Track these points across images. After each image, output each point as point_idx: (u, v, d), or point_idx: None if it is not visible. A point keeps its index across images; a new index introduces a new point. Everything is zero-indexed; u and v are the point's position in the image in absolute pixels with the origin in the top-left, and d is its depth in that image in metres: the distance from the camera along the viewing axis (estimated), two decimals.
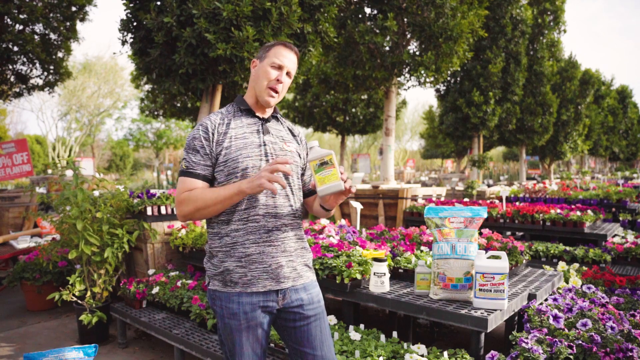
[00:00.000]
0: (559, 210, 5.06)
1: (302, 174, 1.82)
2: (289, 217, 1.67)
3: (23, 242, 5.45)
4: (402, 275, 2.89)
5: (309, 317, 1.67)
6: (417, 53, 8.04)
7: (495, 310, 2.21)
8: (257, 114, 1.72)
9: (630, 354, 1.84)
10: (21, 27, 7.09)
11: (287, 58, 1.68)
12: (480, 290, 2.24)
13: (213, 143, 1.62)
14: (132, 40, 5.00)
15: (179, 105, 11.37)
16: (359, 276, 2.60)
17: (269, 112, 1.75)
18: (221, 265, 1.63)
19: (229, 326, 1.62)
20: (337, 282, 2.62)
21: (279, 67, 1.66)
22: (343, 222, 4.10)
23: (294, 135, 1.82)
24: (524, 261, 3.26)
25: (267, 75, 1.65)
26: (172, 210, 4.02)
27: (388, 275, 2.61)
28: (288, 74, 1.70)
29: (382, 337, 2.44)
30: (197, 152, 1.62)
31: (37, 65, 7.68)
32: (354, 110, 17.08)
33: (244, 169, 1.60)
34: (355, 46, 7.78)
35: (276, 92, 1.67)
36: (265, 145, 1.66)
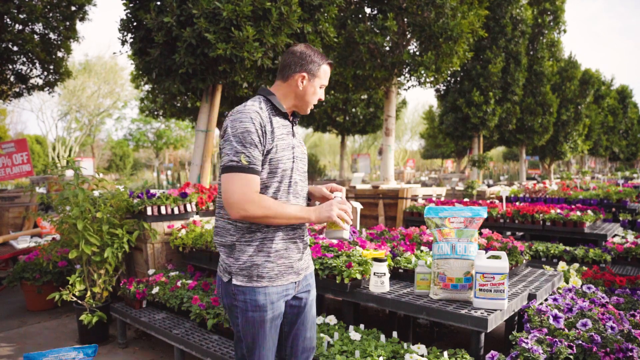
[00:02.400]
0: (559, 210, 5.06)
1: None
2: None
3: (23, 242, 5.45)
4: (402, 275, 2.89)
5: (312, 301, 1.86)
6: (417, 53, 8.04)
7: (495, 310, 2.21)
8: (289, 117, 1.77)
9: (630, 354, 1.84)
10: (21, 27, 7.09)
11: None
12: (480, 290, 2.24)
13: (264, 139, 1.62)
14: (132, 40, 5.00)
15: (179, 105, 11.37)
16: (359, 276, 2.60)
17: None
18: (248, 260, 1.64)
19: (252, 319, 1.64)
20: (337, 282, 2.62)
21: (323, 87, 1.79)
22: None
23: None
24: (524, 261, 3.26)
25: (317, 96, 1.77)
26: (172, 210, 4.02)
27: (388, 275, 2.61)
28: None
29: (382, 337, 2.44)
30: (255, 147, 1.58)
31: (37, 65, 7.68)
32: (354, 110, 17.10)
33: (284, 169, 1.66)
34: (355, 46, 7.78)
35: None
36: (294, 148, 1.72)
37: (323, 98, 1.81)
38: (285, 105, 1.74)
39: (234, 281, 1.65)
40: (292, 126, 1.76)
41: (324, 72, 1.75)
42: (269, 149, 1.62)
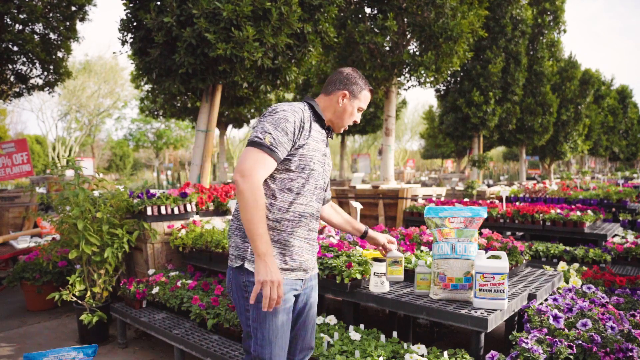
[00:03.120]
0: (559, 210, 5.06)
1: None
2: (318, 221, 1.88)
3: (23, 242, 5.45)
4: None
5: (313, 303, 1.87)
6: (417, 53, 8.04)
7: (495, 310, 2.21)
8: (325, 127, 1.85)
9: (630, 354, 1.84)
10: (21, 27, 7.09)
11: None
12: (480, 290, 2.24)
13: (300, 134, 1.67)
14: (132, 40, 5.00)
15: (179, 105, 11.38)
16: (359, 276, 2.60)
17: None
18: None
19: (264, 311, 1.60)
20: (337, 282, 2.62)
21: (360, 110, 1.89)
22: None
23: None
24: (524, 261, 3.26)
25: (354, 117, 1.87)
26: (172, 210, 4.02)
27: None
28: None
29: (382, 337, 2.44)
30: (286, 134, 1.63)
31: (37, 65, 7.68)
32: None
33: (312, 169, 1.72)
34: (355, 46, 7.78)
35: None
36: (325, 156, 1.81)
37: (358, 121, 1.90)
38: (325, 116, 1.84)
39: (247, 265, 1.64)
40: (327, 136, 1.86)
41: (365, 96, 1.87)
42: (302, 144, 1.67)
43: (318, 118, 1.80)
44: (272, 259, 1.53)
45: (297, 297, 1.79)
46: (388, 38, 7.76)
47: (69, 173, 3.95)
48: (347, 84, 1.82)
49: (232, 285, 1.70)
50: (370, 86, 1.90)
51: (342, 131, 1.90)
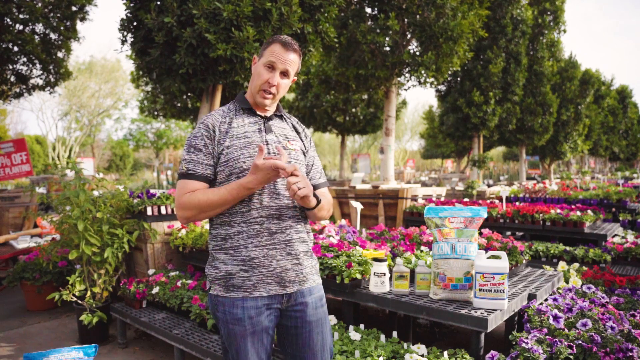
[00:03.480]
0: (559, 210, 5.06)
1: (307, 172, 1.74)
2: (293, 219, 1.61)
3: (23, 242, 5.45)
4: None
5: (311, 322, 1.62)
6: (418, 53, 8.04)
7: (495, 310, 2.21)
8: (259, 113, 1.67)
9: (630, 354, 1.84)
10: (21, 27, 7.09)
11: (282, 58, 1.58)
12: (480, 290, 2.24)
13: (215, 142, 1.57)
14: (132, 40, 5.00)
15: (179, 105, 11.38)
16: (359, 276, 2.60)
17: (271, 110, 1.70)
18: (223, 269, 1.57)
19: (233, 332, 1.54)
20: (337, 282, 2.62)
21: (272, 67, 1.59)
22: (343, 222, 4.10)
23: (298, 132, 1.77)
24: (524, 261, 3.26)
25: (260, 77, 1.59)
26: (172, 210, 4.02)
27: (388, 275, 2.61)
28: (285, 73, 1.62)
29: (382, 337, 2.44)
30: (199, 150, 1.56)
31: (37, 65, 7.68)
32: (354, 110, 17.11)
33: (246, 169, 1.54)
34: (357, 45, 7.78)
35: (270, 93, 1.60)
36: (268, 144, 1.62)
37: (273, 82, 1.59)
38: (251, 100, 1.69)
39: (212, 291, 1.60)
40: (265, 122, 1.67)
41: (270, 50, 1.59)
42: (221, 150, 1.61)
43: (247, 108, 1.65)
44: (243, 180, 1.48)
45: (285, 314, 1.63)
46: (389, 38, 7.77)
47: (69, 173, 3.95)
48: (258, 53, 1.66)
49: (209, 300, 1.66)
50: (285, 41, 1.59)
51: (266, 103, 1.62)
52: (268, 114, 1.69)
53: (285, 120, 1.76)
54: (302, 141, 1.76)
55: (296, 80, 5.76)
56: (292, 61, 1.62)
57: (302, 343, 1.63)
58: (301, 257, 1.62)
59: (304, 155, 1.73)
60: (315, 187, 1.74)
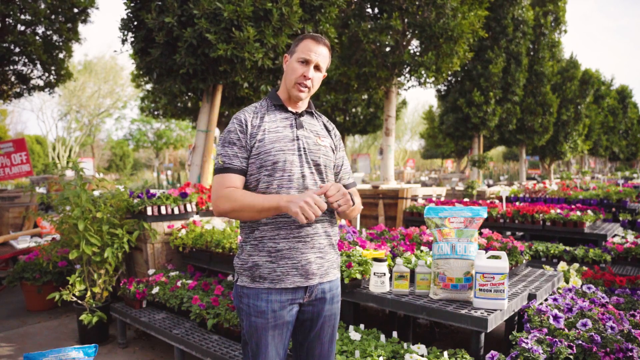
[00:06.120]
0: (559, 210, 5.06)
1: (336, 173, 1.81)
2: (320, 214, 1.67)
3: (23, 242, 5.45)
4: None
5: (325, 316, 1.70)
6: (418, 53, 8.04)
7: (495, 310, 2.21)
8: (290, 109, 1.73)
9: (630, 354, 1.84)
10: (23, 28, 7.10)
11: (315, 52, 1.65)
12: (480, 290, 2.24)
13: (247, 135, 1.64)
14: (132, 39, 5.00)
15: (179, 105, 11.38)
16: (359, 276, 2.60)
17: (302, 107, 1.76)
18: (249, 260, 1.63)
19: (254, 325, 1.61)
20: None
21: (306, 62, 1.66)
22: (343, 222, 4.10)
23: (328, 131, 1.82)
24: (524, 261, 3.26)
25: (295, 72, 1.66)
26: (172, 210, 4.02)
27: (388, 275, 2.61)
28: (317, 67, 1.69)
29: (382, 337, 2.44)
30: (233, 144, 1.63)
31: (38, 66, 7.69)
32: (354, 110, 17.10)
33: (275, 162, 1.61)
34: (359, 45, 7.79)
35: (305, 86, 1.67)
36: (298, 139, 1.67)
37: (308, 75, 1.66)
38: (282, 96, 1.75)
39: (239, 282, 1.67)
40: (296, 118, 1.72)
41: (302, 46, 1.66)
42: (253, 144, 1.67)
43: (279, 105, 1.72)
44: (285, 197, 1.51)
45: (304, 307, 1.69)
46: (390, 37, 7.77)
47: (69, 173, 3.95)
48: (288, 51, 1.73)
49: (233, 292, 1.73)
50: (315, 36, 1.67)
51: (302, 97, 1.68)
52: (299, 110, 1.75)
53: (316, 118, 1.82)
54: (332, 139, 1.81)
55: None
56: (324, 55, 1.69)
57: (313, 334, 1.71)
58: (325, 250, 1.68)
59: (333, 152, 1.79)
60: (345, 187, 1.79)
